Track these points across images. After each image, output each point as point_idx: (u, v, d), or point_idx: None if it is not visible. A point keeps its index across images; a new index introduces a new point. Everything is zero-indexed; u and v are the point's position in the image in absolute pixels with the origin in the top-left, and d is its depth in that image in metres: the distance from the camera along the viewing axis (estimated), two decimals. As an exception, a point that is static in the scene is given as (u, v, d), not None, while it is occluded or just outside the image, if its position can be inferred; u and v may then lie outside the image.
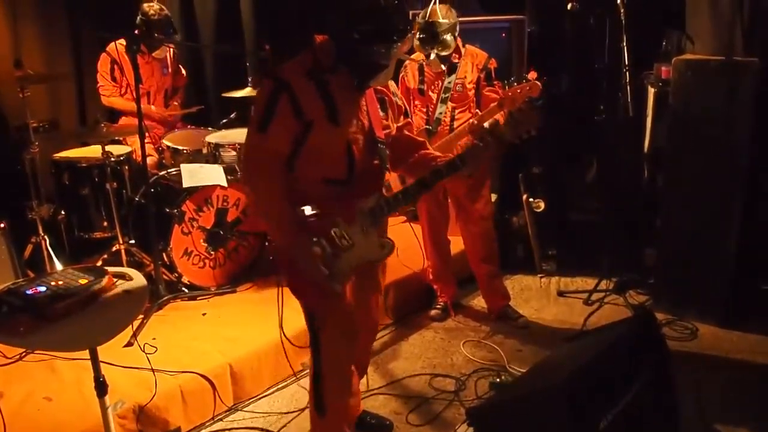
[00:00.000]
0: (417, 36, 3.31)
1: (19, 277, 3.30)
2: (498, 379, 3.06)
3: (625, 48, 3.54)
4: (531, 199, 4.22)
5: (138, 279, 2.18)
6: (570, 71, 4.58)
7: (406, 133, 2.46)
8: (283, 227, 2.13)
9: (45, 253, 3.64)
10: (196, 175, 3.65)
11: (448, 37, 3.30)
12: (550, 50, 4.55)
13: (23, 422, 2.54)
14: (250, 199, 2.29)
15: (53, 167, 3.86)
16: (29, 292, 1.94)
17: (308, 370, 2.41)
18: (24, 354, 2.95)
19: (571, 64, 4.57)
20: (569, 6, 3.77)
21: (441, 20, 3.26)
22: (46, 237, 3.65)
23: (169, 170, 3.90)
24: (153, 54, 4.25)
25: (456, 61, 3.40)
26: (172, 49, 4.44)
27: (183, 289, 3.68)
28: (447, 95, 3.39)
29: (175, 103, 4.60)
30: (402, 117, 2.46)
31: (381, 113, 2.30)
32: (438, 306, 3.81)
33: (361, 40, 2.04)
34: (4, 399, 2.67)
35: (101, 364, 2.09)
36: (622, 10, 3.54)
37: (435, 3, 3.28)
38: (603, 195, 4.52)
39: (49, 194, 3.87)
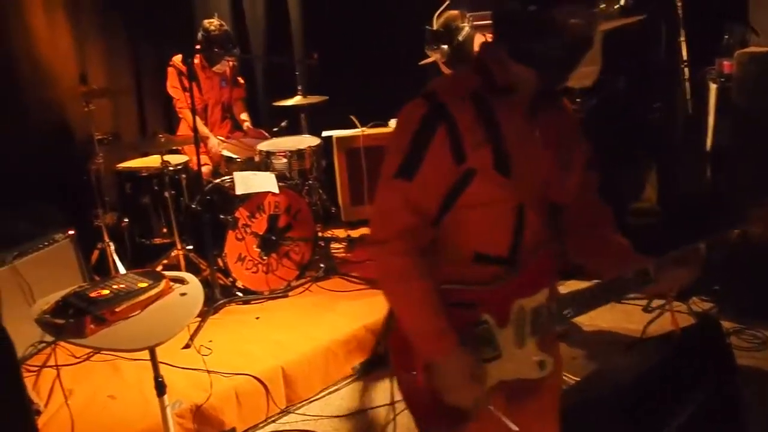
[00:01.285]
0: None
1: (87, 281, 3.46)
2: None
3: (683, 43, 3.41)
4: (584, 202, 4.16)
5: (194, 283, 2.27)
6: (624, 69, 4.48)
7: (590, 193, 1.65)
8: (429, 329, 1.46)
9: (110, 258, 3.82)
10: (248, 182, 3.76)
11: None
12: (604, 48, 4.47)
13: (89, 419, 2.67)
14: (378, 268, 1.49)
15: (116, 177, 4.04)
16: (93, 295, 2.05)
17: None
18: (90, 354, 3.10)
19: (625, 61, 4.47)
20: (622, 1, 3.67)
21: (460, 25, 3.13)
22: (110, 243, 3.83)
23: (223, 178, 4.03)
24: (213, 68, 4.39)
25: None
26: (231, 62, 4.58)
27: (237, 293, 3.78)
28: None
29: (243, 119, 4.71)
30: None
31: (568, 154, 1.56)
32: None
33: (551, 6, 1.33)
34: (73, 396, 2.81)
35: (160, 364, 2.19)
36: (679, 4, 3.42)
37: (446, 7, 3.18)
38: (662, 197, 4.39)
39: (113, 203, 4.06)
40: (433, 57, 3.24)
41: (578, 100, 4.19)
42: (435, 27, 3.18)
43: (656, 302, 3.71)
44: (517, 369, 1.54)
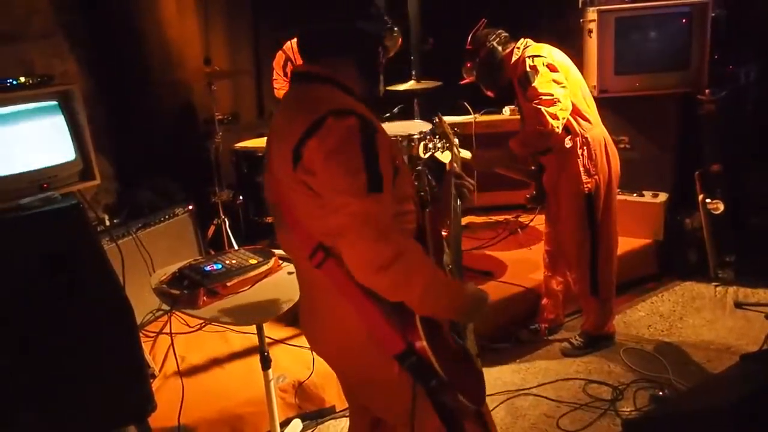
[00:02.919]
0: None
1: (203, 255, 3.64)
2: (660, 393, 2.87)
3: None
4: (708, 200, 3.89)
5: (301, 263, 2.33)
6: (760, 59, 4.14)
7: None
8: (454, 287, 1.58)
9: (225, 233, 3.99)
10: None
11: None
12: (738, 37, 4.14)
13: (198, 385, 2.82)
14: (417, 270, 1.46)
15: (234, 156, 4.19)
16: (207, 268, 2.15)
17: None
18: (203, 324, 3.26)
19: (762, 50, 4.13)
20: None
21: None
22: (226, 219, 4.00)
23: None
24: None
25: None
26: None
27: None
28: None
29: None
30: None
31: None
32: (532, 327, 3.46)
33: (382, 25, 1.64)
34: (185, 363, 2.97)
35: (266, 339, 2.26)
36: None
37: None
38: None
39: (229, 180, 4.23)
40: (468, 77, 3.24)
41: (707, 90, 3.92)
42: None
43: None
44: (472, 345, 1.75)
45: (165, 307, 3.03)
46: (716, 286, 3.91)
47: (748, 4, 4.11)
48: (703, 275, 3.99)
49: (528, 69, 2.90)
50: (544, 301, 3.45)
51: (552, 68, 2.90)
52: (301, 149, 1.46)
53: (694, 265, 4.06)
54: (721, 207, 3.85)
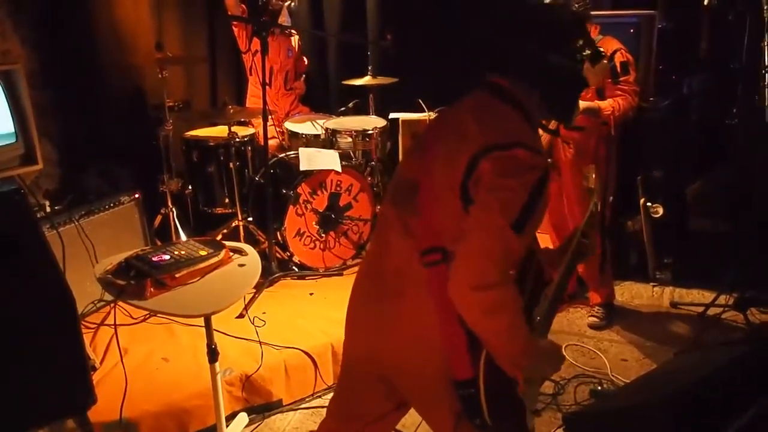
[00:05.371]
0: None
1: (148, 245, 3.56)
2: (599, 387, 2.97)
3: (766, 48, 3.28)
4: (649, 204, 4.03)
5: (252, 255, 2.31)
6: (703, 71, 4.31)
7: None
8: (532, 344, 1.55)
9: (172, 224, 3.91)
10: (312, 159, 3.78)
11: None
12: (682, 48, 4.30)
13: (143, 378, 2.76)
14: (510, 307, 1.49)
15: (184, 144, 4.11)
16: (155, 259, 2.11)
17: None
18: (147, 316, 3.19)
19: (705, 63, 4.30)
20: (706, 1, 3.51)
21: None
22: (174, 209, 3.92)
23: (287, 153, 4.06)
24: (279, 20, 4.29)
25: None
26: (297, 38, 4.60)
27: (293, 268, 3.83)
28: None
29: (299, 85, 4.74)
30: None
31: None
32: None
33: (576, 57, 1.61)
34: (128, 355, 2.91)
35: (214, 332, 2.24)
36: (765, 7, 3.28)
37: None
38: (731, 204, 4.23)
39: (179, 169, 4.14)
40: None
41: (651, 99, 4.06)
42: None
43: (713, 310, 3.60)
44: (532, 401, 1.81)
45: (108, 297, 2.96)
46: (654, 286, 4.05)
47: (693, 18, 4.26)
48: (642, 276, 4.13)
49: (629, 60, 3.20)
50: None
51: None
52: (480, 161, 1.48)
53: (634, 266, 4.20)
54: (661, 211, 3.99)
